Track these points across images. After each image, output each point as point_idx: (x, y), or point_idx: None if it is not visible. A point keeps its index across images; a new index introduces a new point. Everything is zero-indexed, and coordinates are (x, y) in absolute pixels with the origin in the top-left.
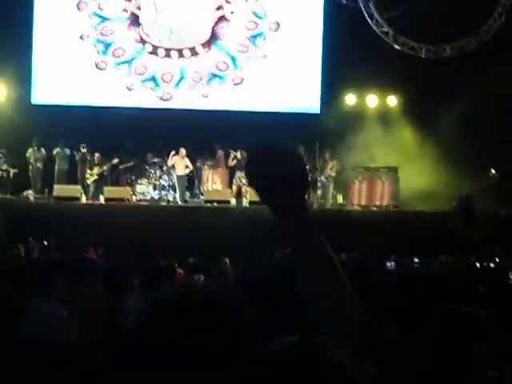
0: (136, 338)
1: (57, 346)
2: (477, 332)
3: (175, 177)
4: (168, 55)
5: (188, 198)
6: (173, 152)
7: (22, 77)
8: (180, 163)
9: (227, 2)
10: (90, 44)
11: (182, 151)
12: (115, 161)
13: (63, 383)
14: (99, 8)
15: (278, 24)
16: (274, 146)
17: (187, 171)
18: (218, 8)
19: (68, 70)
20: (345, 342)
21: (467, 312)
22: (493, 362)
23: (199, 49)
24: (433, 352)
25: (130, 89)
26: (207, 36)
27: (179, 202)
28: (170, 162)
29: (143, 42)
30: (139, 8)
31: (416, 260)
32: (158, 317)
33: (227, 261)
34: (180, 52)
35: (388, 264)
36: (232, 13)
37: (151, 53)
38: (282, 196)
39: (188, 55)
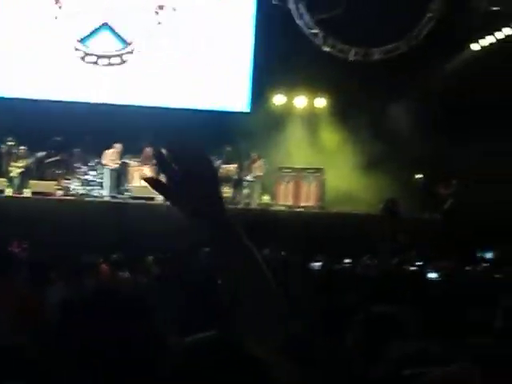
0: (54, 329)
1: None
2: (392, 332)
3: (106, 172)
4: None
5: (115, 194)
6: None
7: None
8: (113, 158)
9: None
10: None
11: (117, 146)
12: (41, 154)
13: None
14: None
15: (208, 20)
16: (181, 146)
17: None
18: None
19: None
20: (266, 340)
21: (382, 313)
22: (410, 362)
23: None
24: (351, 352)
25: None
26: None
27: (107, 198)
28: (104, 157)
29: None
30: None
31: (343, 261)
32: (72, 310)
33: (151, 258)
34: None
35: (312, 265)
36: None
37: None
38: (191, 197)
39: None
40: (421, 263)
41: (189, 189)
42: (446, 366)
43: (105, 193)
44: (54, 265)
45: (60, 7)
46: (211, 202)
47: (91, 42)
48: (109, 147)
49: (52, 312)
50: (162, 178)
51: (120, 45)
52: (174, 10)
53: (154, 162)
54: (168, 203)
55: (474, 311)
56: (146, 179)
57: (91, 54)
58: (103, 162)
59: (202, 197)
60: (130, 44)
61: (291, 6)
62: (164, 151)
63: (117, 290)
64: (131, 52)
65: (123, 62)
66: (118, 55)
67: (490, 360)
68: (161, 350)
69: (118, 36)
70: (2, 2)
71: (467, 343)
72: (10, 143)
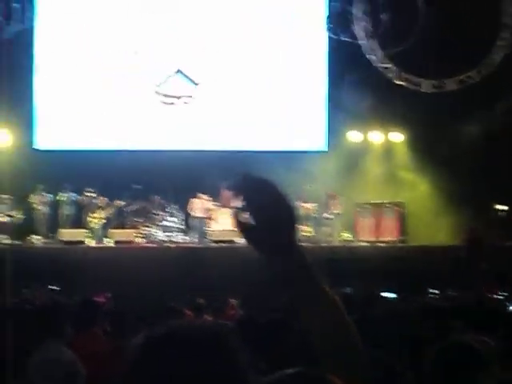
0: (130, 373)
1: None
2: (477, 364)
3: (193, 221)
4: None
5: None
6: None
7: (25, 122)
8: (199, 205)
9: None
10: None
11: (202, 196)
12: (120, 203)
13: None
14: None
15: (282, 59)
16: (259, 187)
17: (206, 214)
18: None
19: (70, 115)
20: (347, 375)
21: (467, 344)
22: None
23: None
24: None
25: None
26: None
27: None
28: (189, 206)
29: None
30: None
31: (427, 293)
32: (149, 352)
33: (235, 302)
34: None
35: (395, 298)
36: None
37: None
38: (267, 235)
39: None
40: (505, 293)
41: (267, 228)
42: None
43: (188, 238)
44: (138, 313)
45: (136, 52)
46: (288, 239)
47: (165, 87)
48: (188, 192)
49: (137, 360)
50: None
51: (191, 87)
52: (247, 51)
53: (233, 203)
54: (247, 244)
55: None
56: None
57: (168, 96)
58: (190, 211)
59: (280, 236)
60: (197, 84)
61: (362, 41)
62: (242, 192)
63: (199, 332)
64: (203, 95)
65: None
66: (188, 96)
67: None
68: None
69: (189, 79)
70: (82, 53)
71: None
72: (88, 194)
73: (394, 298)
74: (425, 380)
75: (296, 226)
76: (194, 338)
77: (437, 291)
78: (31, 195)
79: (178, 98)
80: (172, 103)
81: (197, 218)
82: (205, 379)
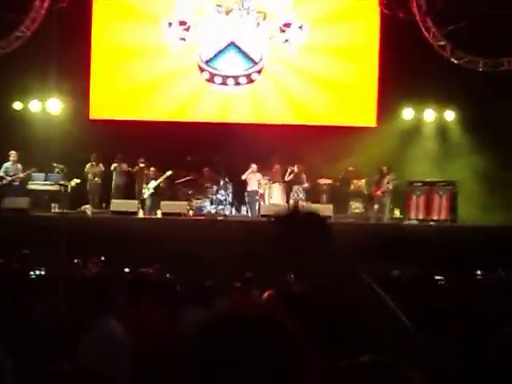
0: (193, 354)
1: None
2: None
3: (246, 192)
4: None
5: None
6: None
7: (80, 92)
8: (253, 178)
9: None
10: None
11: (253, 166)
12: (170, 173)
13: None
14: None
15: (335, 36)
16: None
17: (258, 186)
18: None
19: (124, 86)
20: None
21: None
22: None
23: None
24: (490, 375)
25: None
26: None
27: (249, 218)
28: (244, 177)
29: (201, 69)
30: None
31: (477, 273)
32: (215, 334)
33: (289, 277)
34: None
35: (444, 278)
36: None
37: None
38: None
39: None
40: None
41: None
42: None
43: (249, 213)
44: (188, 285)
45: (187, 29)
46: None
47: (218, 63)
48: (241, 166)
49: (193, 333)
50: None
51: (247, 64)
52: (300, 27)
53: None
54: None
55: None
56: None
57: (218, 75)
58: (244, 178)
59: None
60: (257, 63)
61: (418, 18)
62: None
63: (258, 319)
64: (259, 71)
65: (252, 81)
66: (245, 75)
67: None
68: (313, 375)
69: (245, 55)
70: (137, 24)
71: None
72: (141, 165)
73: (445, 279)
74: (484, 367)
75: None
76: (253, 326)
77: (485, 271)
78: (85, 165)
79: (233, 72)
80: (226, 76)
81: (251, 191)
82: (264, 366)
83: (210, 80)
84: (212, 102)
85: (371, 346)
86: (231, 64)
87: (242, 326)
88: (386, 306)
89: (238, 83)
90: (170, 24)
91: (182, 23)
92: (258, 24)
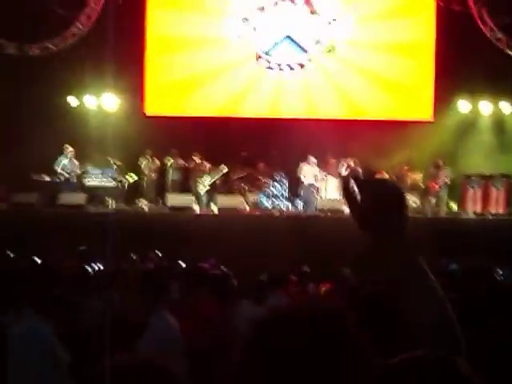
0: (248, 348)
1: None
2: None
3: (302, 186)
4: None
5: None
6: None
7: (135, 88)
8: (309, 172)
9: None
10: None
11: (311, 159)
12: (225, 169)
13: None
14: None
15: (389, 29)
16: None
17: (315, 180)
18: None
19: (179, 82)
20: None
21: None
22: None
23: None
24: None
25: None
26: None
27: (303, 212)
28: (299, 171)
29: (258, 56)
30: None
31: None
32: (270, 330)
33: (347, 271)
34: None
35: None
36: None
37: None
38: (380, 219)
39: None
40: None
41: (374, 208)
42: None
43: (306, 208)
44: (243, 279)
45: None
46: (397, 222)
47: (274, 54)
48: (295, 160)
49: (249, 328)
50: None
51: (300, 54)
52: (347, 21)
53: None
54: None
55: None
56: (346, 177)
57: (275, 63)
58: (300, 175)
59: (390, 217)
60: (306, 51)
61: (474, 11)
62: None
63: (314, 310)
64: (309, 60)
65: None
66: (299, 64)
67: None
68: (365, 372)
69: (299, 46)
70: (191, 20)
71: None
72: (196, 160)
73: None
74: None
75: (403, 211)
76: (314, 321)
77: None
78: (140, 160)
79: (287, 65)
80: (281, 70)
81: (307, 185)
82: (324, 361)
83: (268, 67)
84: (264, 96)
85: (420, 341)
86: (287, 54)
87: (301, 323)
88: (440, 302)
89: (292, 68)
90: (226, 15)
91: (239, 15)
92: (311, 16)
